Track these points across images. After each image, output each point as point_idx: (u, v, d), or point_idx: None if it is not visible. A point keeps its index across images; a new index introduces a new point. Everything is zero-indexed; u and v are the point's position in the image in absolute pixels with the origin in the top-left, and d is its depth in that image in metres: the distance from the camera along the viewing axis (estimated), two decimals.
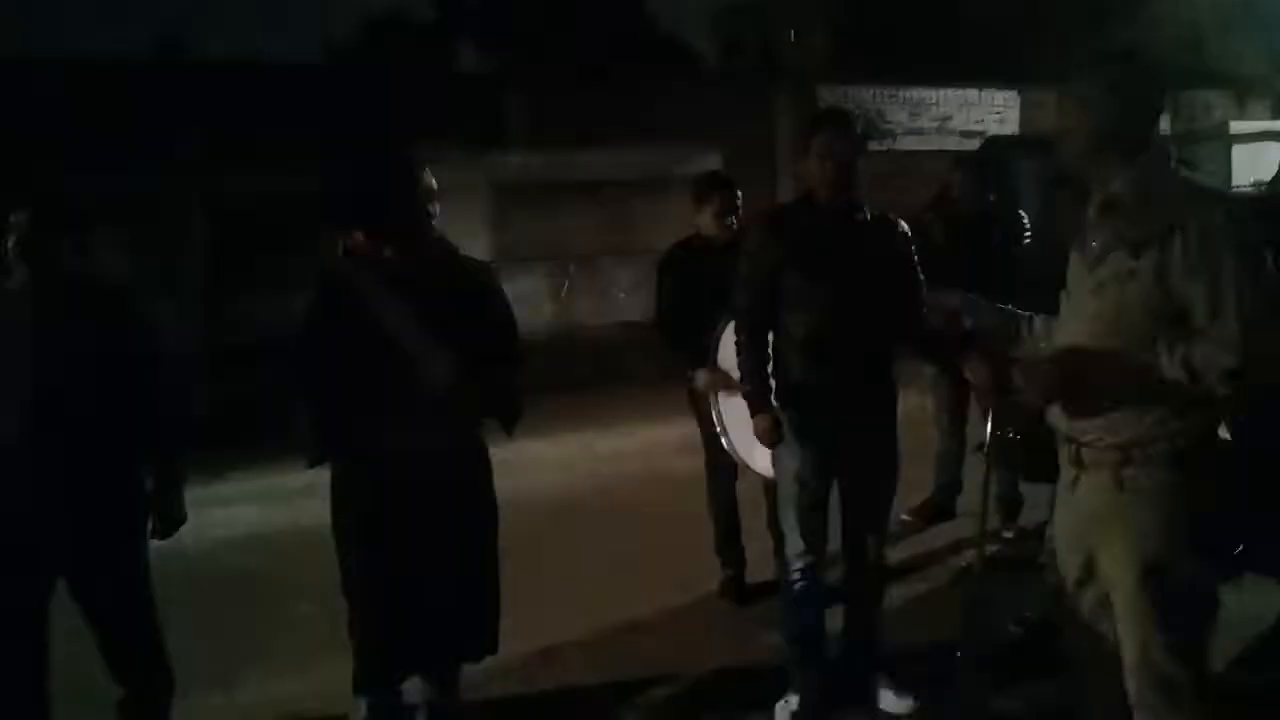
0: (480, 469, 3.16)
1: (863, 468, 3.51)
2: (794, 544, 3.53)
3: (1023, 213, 5.43)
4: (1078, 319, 2.41)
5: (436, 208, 2.99)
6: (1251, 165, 12.81)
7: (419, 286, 2.92)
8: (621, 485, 6.68)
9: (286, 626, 4.52)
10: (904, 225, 3.56)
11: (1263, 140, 13.94)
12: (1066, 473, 2.50)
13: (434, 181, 2.98)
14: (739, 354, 3.57)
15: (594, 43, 21.15)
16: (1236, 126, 14.67)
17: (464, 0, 25.54)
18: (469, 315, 3.02)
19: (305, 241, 3.20)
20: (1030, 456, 3.56)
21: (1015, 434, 3.63)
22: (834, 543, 3.63)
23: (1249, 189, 9.10)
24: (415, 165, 2.96)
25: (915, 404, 5.61)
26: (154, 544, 3.28)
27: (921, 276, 3.56)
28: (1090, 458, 2.38)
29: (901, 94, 14.23)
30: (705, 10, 27.28)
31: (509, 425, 3.18)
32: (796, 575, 3.52)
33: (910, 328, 3.51)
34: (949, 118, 14.50)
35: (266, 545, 5.68)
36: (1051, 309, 2.59)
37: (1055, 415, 2.46)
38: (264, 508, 6.38)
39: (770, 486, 3.82)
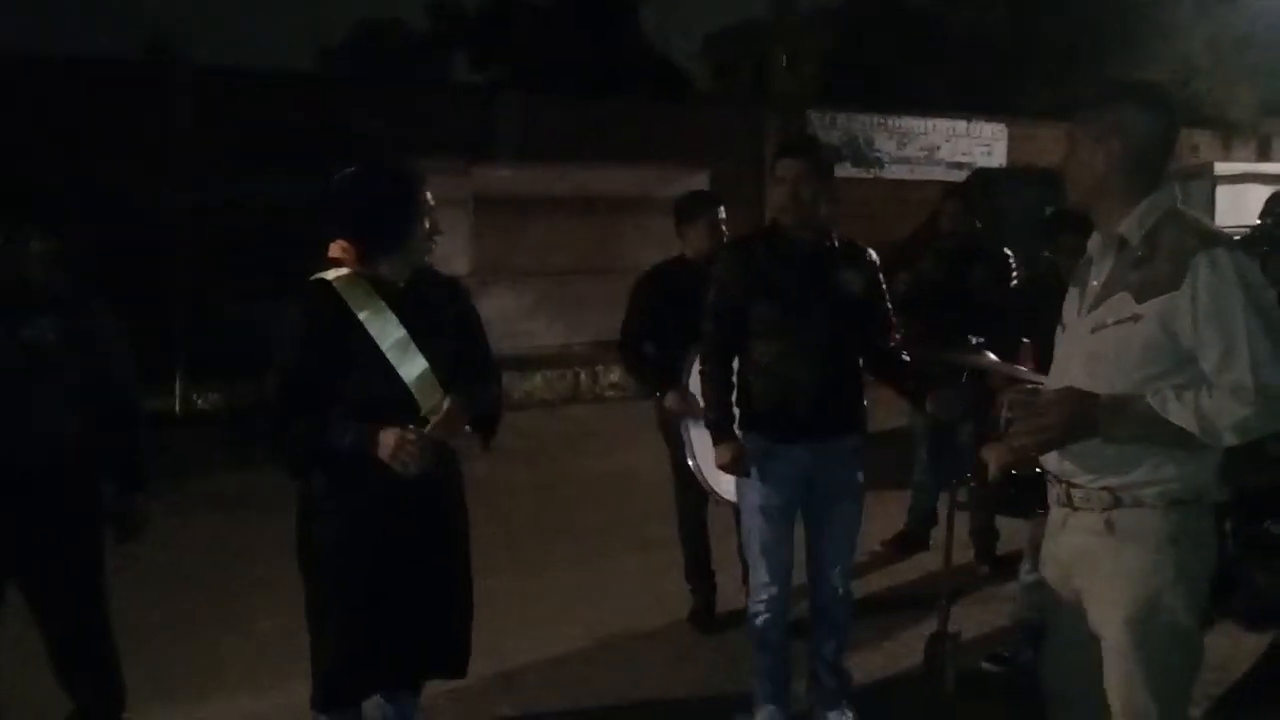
0: (455, 482, 3.10)
1: (828, 499, 3.47)
2: (758, 575, 3.49)
3: (1009, 251, 5.39)
4: (1075, 358, 2.36)
5: (439, 226, 2.95)
6: (1235, 206, 12.87)
7: (412, 301, 2.88)
8: (597, 506, 6.62)
9: (246, 640, 4.44)
10: (871, 253, 3.53)
11: (1246, 182, 14.00)
12: (1055, 512, 2.45)
13: (432, 199, 2.93)
14: (703, 382, 3.53)
15: (588, 61, 21.18)
16: (1221, 168, 14.74)
17: (460, 13, 25.61)
18: (456, 331, 2.99)
19: (297, 249, 3.09)
20: (1006, 491, 3.54)
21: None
22: (801, 574, 3.58)
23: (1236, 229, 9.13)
24: (420, 180, 2.90)
25: (895, 433, 5.64)
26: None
27: (889, 304, 3.56)
28: (1080, 499, 2.34)
29: (890, 122, 14.29)
30: (698, 34, 27.48)
31: (488, 440, 3.12)
32: (761, 607, 3.48)
33: (879, 356, 3.51)
34: (937, 148, 14.57)
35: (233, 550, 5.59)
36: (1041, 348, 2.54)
37: (1046, 454, 2.41)
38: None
39: (739, 513, 3.77)
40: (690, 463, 4.18)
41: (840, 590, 3.54)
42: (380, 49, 24.58)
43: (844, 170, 13.90)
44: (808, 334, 3.32)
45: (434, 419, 2.77)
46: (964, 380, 3.59)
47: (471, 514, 3.06)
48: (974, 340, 3.53)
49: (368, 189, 2.82)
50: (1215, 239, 2.18)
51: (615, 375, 9.91)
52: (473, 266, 10.42)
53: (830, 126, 13.85)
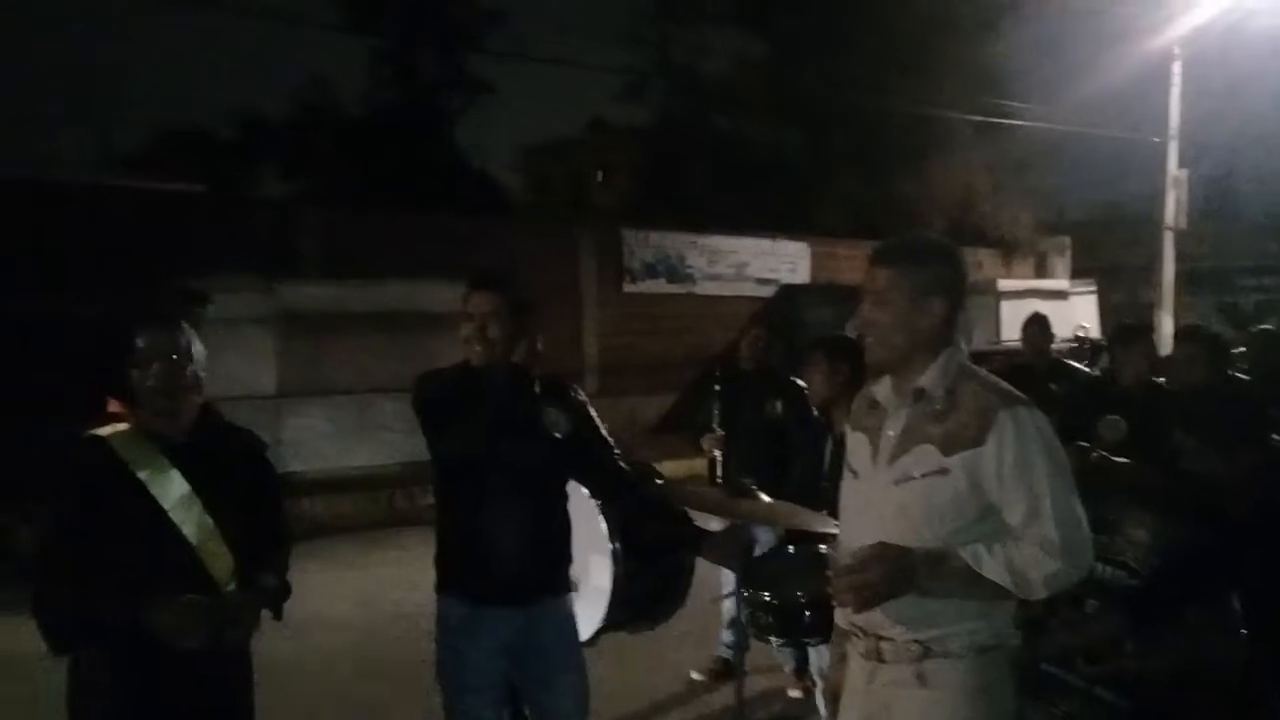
0: (240, 653, 2.85)
1: (542, 674, 3.10)
2: None
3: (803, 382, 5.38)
4: (877, 509, 2.35)
5: (195, 371, 2.71)
6: (1017, 320, 13.76)
7: (197, 455, 2.66)
8: (395, 634, 6.30)
9: None
10: (578, 392, 3.20)
11: (1027, 298, 15.06)
12: (861, 666, 2.41)
13: (190, 342, 2.65)
14: None
15: (400, 174, 21.12)
16: (1004, 284, 15.82)
17: (268, 125, 25.18)
18: (249, 488, 2.78)
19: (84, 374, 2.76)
20: (782, 618, 3.53)
21: (769, 598, 3.56)
22: None
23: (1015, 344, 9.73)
24: (137, 327, 2.60)
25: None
26: None
27: (608, 443, 3.22)
28: (890, 652, 2.33)
29: (701, 241, 14.76)
30: (516, 148, 27.95)
31: (278, 611, 2.88)
32: None
33: (629, 500, 3.29)
34: (746, 264, 15.11)
35: None
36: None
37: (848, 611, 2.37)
38: None
39: None
40: None
41: None
42: (184, 160, 23.79)
43: (659, 286, 14.25)
44: (505, 482, 2.96)
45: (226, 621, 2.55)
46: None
47: (283, 652, 2.80)
48: (748, 482, 3.41)
49: (106, 333, 2.64)
50: (1014, 398, 2.26)
51: (431, 497, 9.62)
52: (279, 386, 10.04)
53: (644, 244, 14.20)
